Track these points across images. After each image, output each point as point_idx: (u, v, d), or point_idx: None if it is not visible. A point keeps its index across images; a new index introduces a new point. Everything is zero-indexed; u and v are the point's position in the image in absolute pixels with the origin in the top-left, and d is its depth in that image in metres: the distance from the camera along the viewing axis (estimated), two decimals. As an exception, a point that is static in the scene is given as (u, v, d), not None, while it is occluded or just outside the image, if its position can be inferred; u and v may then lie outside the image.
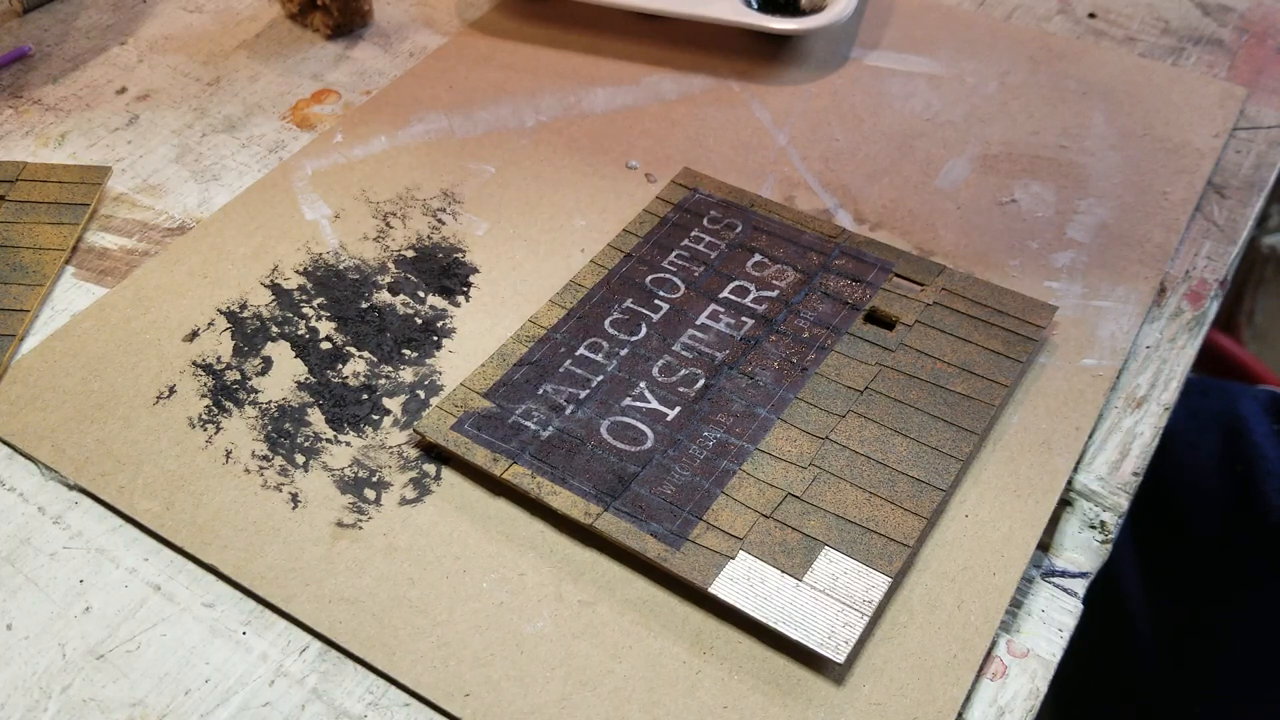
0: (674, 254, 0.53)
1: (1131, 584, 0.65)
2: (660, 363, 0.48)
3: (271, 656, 0.40)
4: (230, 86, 0.65)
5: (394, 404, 0.48)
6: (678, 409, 0.46)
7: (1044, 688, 0.40)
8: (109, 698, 0.39)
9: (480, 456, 0.44)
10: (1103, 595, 0.43)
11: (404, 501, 0.44)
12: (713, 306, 0.50)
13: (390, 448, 0.46)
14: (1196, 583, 0.64)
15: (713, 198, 0.56)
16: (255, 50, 0.68)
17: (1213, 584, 0.64)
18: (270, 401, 0.48)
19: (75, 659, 0.40)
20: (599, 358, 0.48)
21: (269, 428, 0.47)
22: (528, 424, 0.45)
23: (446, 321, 0.51)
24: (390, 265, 0.54)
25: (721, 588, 0.40)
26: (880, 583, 0.40)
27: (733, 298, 0.51)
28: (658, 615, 0.41)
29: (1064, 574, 0.43)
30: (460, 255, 0.54)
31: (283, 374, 0.49)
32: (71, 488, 0.45)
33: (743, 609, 0.39)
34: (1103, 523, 0.45)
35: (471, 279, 0.53)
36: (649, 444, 0.45)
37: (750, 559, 0.41)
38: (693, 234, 0.54)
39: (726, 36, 0.67)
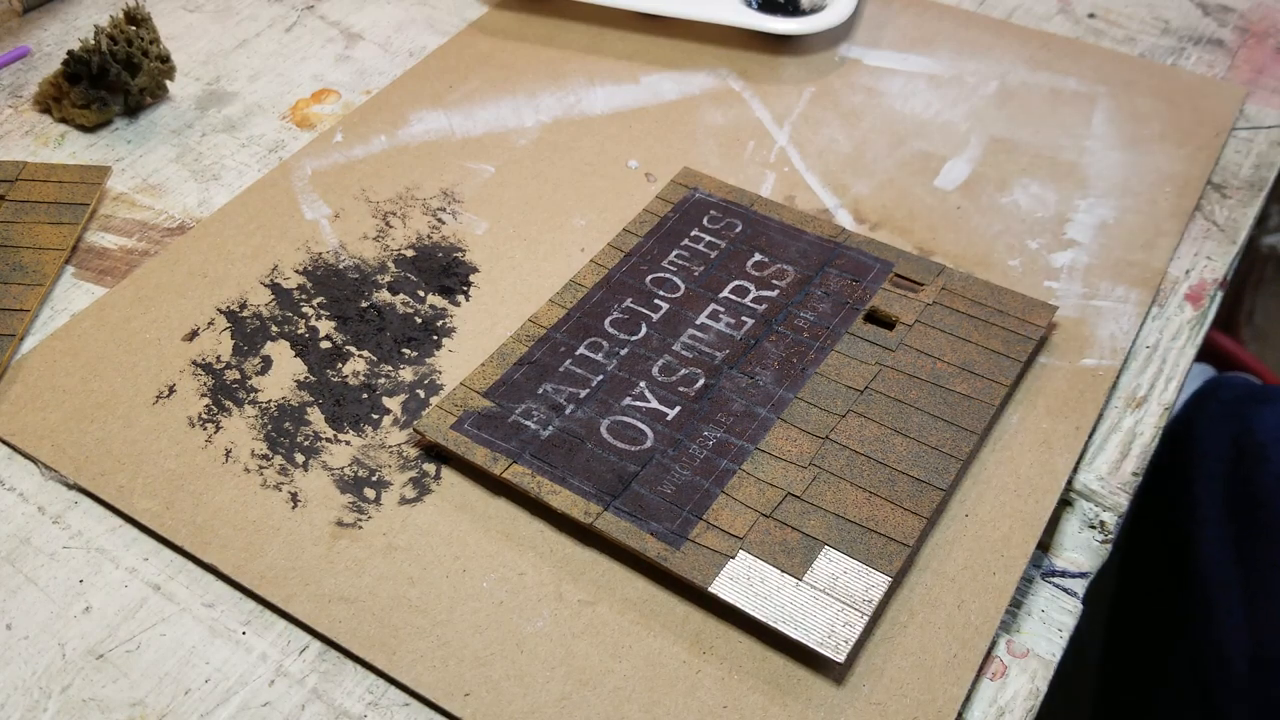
0: (674, 253, 0.53)
1: (1129, 590, 0.65)
2: (660, 362, 0.48)
3: (271, 656, 0.40)
4: (230, 86, 0.65)
5: (394, 403, 0.48)
6: (678, 408, 0.46)
7: (1044, 688, 0.40)
8: (109, 698, 0.39)
9: (480, 456, 0.44)
10: (1093, 601, 0.43)
11: (404, 501, 0.44)
12: (713, 306, 0.50)
13: (390, 447, 0.46)
14: (1193, 592, 0.64)
15: (713, 198, 0.56)
16: (255, 50, 0.68)
17: (1209, 594, 0.63)
18: (270, 401, 0.48)
19: (75, 659, 0.40)
20: (599, 357, 0.48)
21: (269, 427, 0.47)
22: (528, 423, 0.45)
23: (446, 321, 0.51)
24: (390, 265, 0.54)
25: (721, 587, 0.40)
26: (880, 582, 0.40)
27: (733, 297, 0.51)
28: (658, 615, 0.41)
29: (1064, 574, 0.43)
30: (460, 255, 0.54)
31: (282, 373, 0.49)
32: (71, 487, 0.45)
33: (743, 608, 0.39)
34: (1103, 523, 0.45)
35: (471, 278, 0.53)
36: (649, 443, 0.45)
37: (750, 558, 0.41)
38: (693, 233, 0.54)
39: (726, 36, 0.67)
